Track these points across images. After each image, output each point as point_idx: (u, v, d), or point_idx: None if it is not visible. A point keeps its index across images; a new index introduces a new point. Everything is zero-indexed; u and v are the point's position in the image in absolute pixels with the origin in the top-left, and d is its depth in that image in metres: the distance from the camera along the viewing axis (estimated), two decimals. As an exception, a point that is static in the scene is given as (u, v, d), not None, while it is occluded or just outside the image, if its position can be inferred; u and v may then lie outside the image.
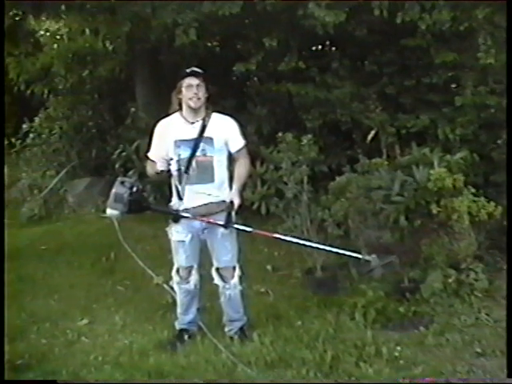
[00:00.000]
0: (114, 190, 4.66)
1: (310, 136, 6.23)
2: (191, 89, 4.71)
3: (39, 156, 11.58)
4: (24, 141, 11.99)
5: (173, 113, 4.90)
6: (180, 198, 4.78)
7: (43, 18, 10.02)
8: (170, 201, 4.92)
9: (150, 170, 4.93)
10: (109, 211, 4.69)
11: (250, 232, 4.84)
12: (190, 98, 4.71)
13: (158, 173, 4.71)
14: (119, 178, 4.78)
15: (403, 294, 5.45)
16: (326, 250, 5.06)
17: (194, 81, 4.71)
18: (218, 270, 4.95)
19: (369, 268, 5.86)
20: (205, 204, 4.76)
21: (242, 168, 4.87)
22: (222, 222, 4.69)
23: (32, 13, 8.62)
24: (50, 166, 11.21)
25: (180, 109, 4.84)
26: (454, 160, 5.97)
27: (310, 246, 5.31)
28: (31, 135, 11.86)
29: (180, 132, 4.76)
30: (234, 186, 4.76)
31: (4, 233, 6.48)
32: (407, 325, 5.03)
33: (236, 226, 4.78)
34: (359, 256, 4.88)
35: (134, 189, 4.64)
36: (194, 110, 4.76)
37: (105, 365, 4.74)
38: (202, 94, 4.75)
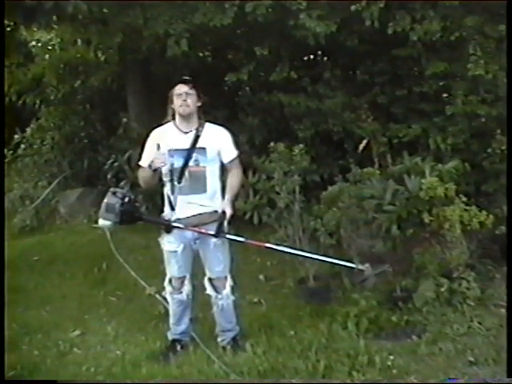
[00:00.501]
0: (105, 201, 4.67)
1: (301, 146, 6.25)
2: (181, 96, 4.73)
3: (31, 166, 11.55)
4: (15, 151, 11.96)
5: (166, 122, 4.91)
6: (172, 208, 4.78)
7: (35, 29, 10.00)
8: (162, 211, 4.91)
9: (141, 176, 4.92)
10: (101, 221, 4.69)
11: (243, 242, 4.85)
12: (180, 105, 4.73)
13: (153, 170, 4.70)
14: (111, 189, 4.79)
15: (396, 303, 5.46)
16: (319, 260, 5.06)
17: (183, 88, 4.73)
18: (210, 280, 4.95)
19: (362, 277, 5.86)
20: (197, 214, 4.76)
21: (234, 178, 4.88)
22: (213, 232, 4.70)
23: (23, 24, 8.60)
24: (41, 176, 11.17)
25: (174, 118, 4.85)
26: (445, 169, 5.99)
27: (302, 256, 5.31)
28: (23, 146, 11.83)
29: (173, 141, 4.76)
30: (227, 196, 4.77)
31: (4, 243, 6.45)
32: (400, 334, 5.04)
33: (228, 236, 4.79)
34: (352, 265, 4.89)
35: (126, 199, 4.65)
36: (186, 119, 4.78)
37: (97, 376, 4.74)
38: (192, 101, 4.76)
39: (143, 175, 4.90)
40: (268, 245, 4.98)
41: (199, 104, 4.83)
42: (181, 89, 4.74)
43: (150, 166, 4.68)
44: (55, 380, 4.39)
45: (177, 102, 4.75)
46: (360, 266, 4.85)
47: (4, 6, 6.07)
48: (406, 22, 6.48)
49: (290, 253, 5.15)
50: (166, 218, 4.82)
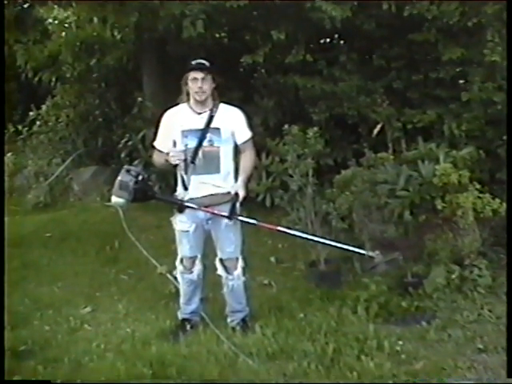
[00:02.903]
0: (119, 178, 4.68)
1: (316, 129, 6.22)
2: (196, 82, 4.70)
3: (45, 143, 11.62)
4: (31, 128, 12.03)
5: (180, 103, 4.90)
6: (185, 188, 4.79)
7: (54, 6, 9.97)
8: (175, 190, 4.92)
9: (157, 159, 4.95)
10: (114, 199, 4.71)
11: (255, 225, 4.85)
12: (196, 92, 4.71)
13: (172, 165, 4.75)
14: (125, 167, 4.80)
15: (406, 288, 5.46)
16: (330, 245, 5.06)
17: (198, 74, 4.70)
18: (221, 260, 4.96)
19: (372, 264, 5.87)
20: (210, 195, 4.77)
21: (247, 160, 4.88)
22: (226, 214, 4.71)
23: (38, 1, 8.60)
24: (56, 153, 11.23)
25: (188, 99, 4.84)
26: (459, 156, 5.97)
27: (313, 240, 5.31)
28: (38, 123, 11.91)
29: (187, 122, 4.76)
30: (240, 178, 4.77)
31: (4, 221, 6.49)
32: (409, 319, 5.04)
33: (240, 218, 4.79)
34: (363, 252, 4.89)
35: (140, 177, 4.66)
36: (201, 102, 4.77)
37: (107, 352, 4.75)
38: (208, 86, 4.74)
39: (158, 160, 4.94)
40: (280, 228, 4.99)
41: (214, 86, 4.82)
42: (196, 75, 4.70)
43: (166, 159, 4.73)
44: (49, 380, 4.40)
45: (192, 87, 4.72)
46: (370, 253, 4.85)
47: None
48: (424, 5, 6.43)
49: (301, 237, 5.14)
50: (179, 198, 4.83)
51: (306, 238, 5.22)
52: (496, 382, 4.13)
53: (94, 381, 4.37)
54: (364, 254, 4.90)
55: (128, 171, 4.69)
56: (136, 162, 8.93)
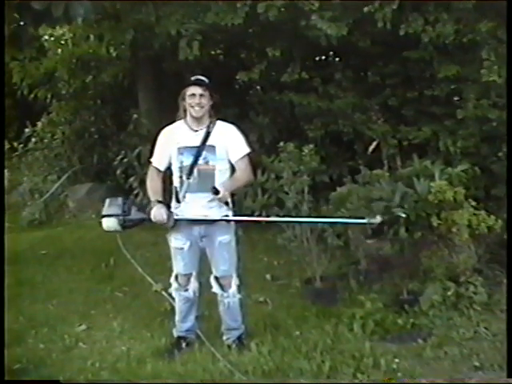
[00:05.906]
0: (106, 203, 4.76)
1: (311, 146, 6.24)
2: (194, 98, 4.72)
3: (41, 160, 11.63)
4: (26, 145, 12.05)
5: (177, 120, 4.92)
6: (178, 201, 4.75)
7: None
8: (169, 207, 4.88)
9: (150, 176, 4.93)
10: (105, 223, 4.78)
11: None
12: (192, 107, 4.73)
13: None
14: (107, 199, 4.94)
15: (402, 305, 5.45)
16: (327, 223, 5.08)
17: (197, 90, 4.72)
18: (216, 278, 4.95)
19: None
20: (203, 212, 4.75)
21: (241, 172, 4.82)
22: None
23: (32, 25, 8.60)
24: (51, 170, 11.24)
25: (185, 116, 4.86)
26: (455, 173, 5.97)
27: (310, 222, 5.33)
28: (33, 139, 11.92)
29: (183, 139, 4.77)
30: (227, 182, 4.73)
31: (4, 237, 6.47)
32: (405, 337, 5.02)
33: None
34: (364, 221, 4.91)
35: (126, 207, 4.72)
36: (197, 119, 4.78)
37: (102, 371, 4.73)
38: (205, 102, 4.75)
39: (152, 176, 4.93)
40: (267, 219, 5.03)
41: (211, 103, 4.83)
42: (195, 90, 4.73)
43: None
44: (58, 380, 4.39)
45: (190, 103, 4.74)
46: (372, 220, 4.85)
47: (4, 5, 6.04)
48: (419, 23, 6.46)
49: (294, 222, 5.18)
50: (171, 211, 4.77)
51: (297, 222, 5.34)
52: (496, 382, 4.13)
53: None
54: (365, 223, 4.97)
55: (114, 199, 4.76)
56: (131, 179, 8.95)
